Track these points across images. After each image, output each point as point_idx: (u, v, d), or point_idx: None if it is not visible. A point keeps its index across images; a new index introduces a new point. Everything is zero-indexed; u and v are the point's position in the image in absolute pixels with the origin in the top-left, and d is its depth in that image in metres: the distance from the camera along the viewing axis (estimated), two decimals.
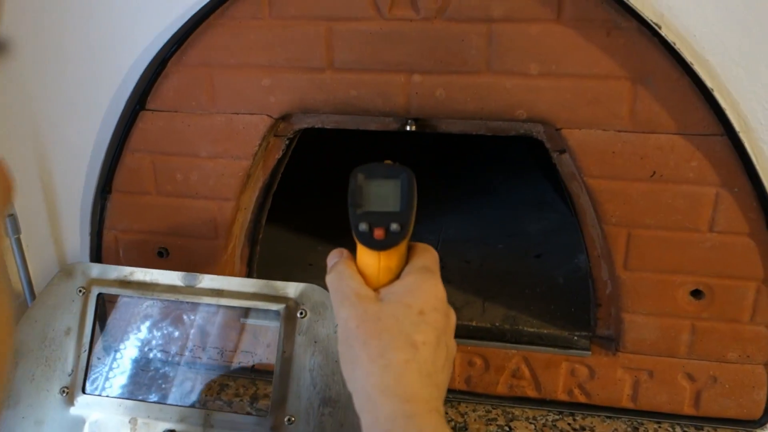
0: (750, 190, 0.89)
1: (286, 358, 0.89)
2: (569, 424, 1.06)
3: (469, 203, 1.69)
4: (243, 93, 0.98)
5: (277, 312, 0.91)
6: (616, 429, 1.04)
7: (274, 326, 1.03)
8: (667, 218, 0.93)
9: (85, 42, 1.01)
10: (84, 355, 0.96)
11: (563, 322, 1.10)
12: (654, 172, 0.91)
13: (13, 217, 1.13)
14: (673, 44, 0.83)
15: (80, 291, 0.96)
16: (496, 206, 1.66)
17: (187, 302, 0.96)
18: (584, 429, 1.05)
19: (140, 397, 0.98)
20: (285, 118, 1.01)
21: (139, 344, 1.06)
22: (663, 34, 0.84)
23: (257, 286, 0.92)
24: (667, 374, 1.02)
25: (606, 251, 0.98)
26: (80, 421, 0.95)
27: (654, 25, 0.83)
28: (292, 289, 0.91)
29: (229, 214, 1.06)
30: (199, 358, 1.08)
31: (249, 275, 1.16)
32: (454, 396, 1.11)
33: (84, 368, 0.96)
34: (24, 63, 1.03)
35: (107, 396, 0.98)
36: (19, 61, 1.03)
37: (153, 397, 0.99)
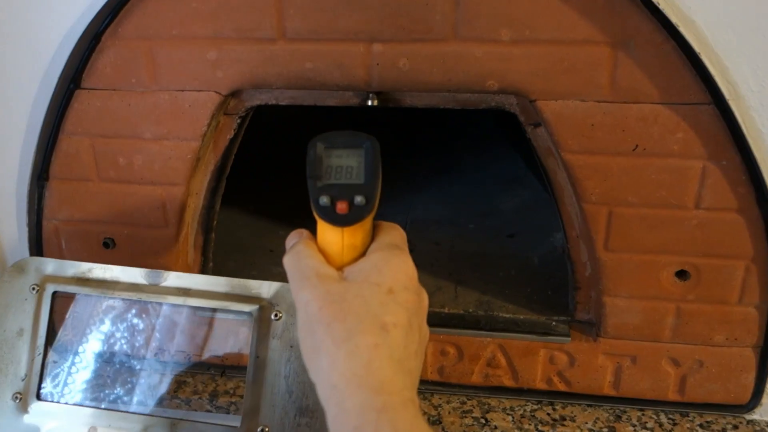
0: (739, 162, 0.83)
1: (260, 363, 0.82)
2: (548, 414, 1.01)
3: (437, 181, 1.62)
4: (187, 68, 0.90)
5: (249, 314, 0.84)
6: (597, 418, 1.00)
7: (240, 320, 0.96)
8: (651, 195, 0.88)
9: (6, 12, 0.91)
10: (38, 359, 0.89)
11: (540, 307, 1.05)
12: (636, 146, 0.85)
13: None
14: (657, 4, 0.77)
15: (33, 289, 0.89)
16: (465, 183, 1.60)
17: (151, 302, 0.88)
18: (564, 418, 1.00)
19: (100, 404, 0.91)
20: (235, 94, 0.93)
21: (98, 346, 0.98)
22: None
23: (227, 285, 0.85)
24: (650, 359, 0.98)
25: (585, 231, 0.92)
26: (34, 430, 0.88)
27: None
28: (265, 288, 0.84)
29: (179, 200, 0.98)
30: (164, 360, 1.00)
31: (204, 264, 1.08)
32: (426, 387, 1.05)
33: (38, 372, 0.89)
34: None
35: (64, 403, 0.91)
36: None
37: (114, 404, 0.92)
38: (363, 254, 0.58)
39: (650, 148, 0.85)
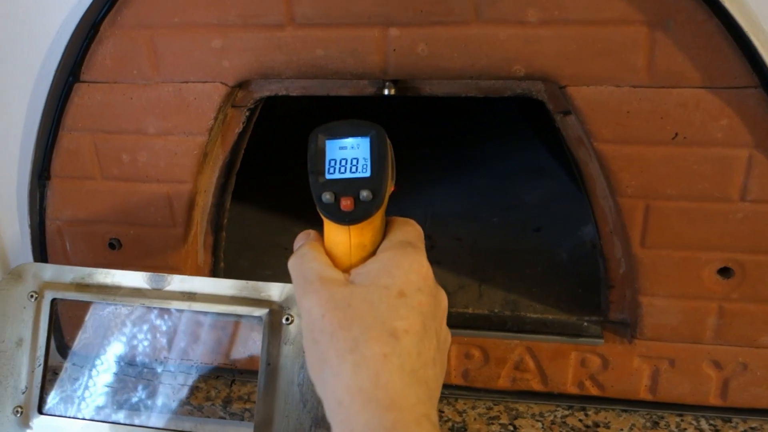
0: None
1: (271, 371, 0.78)
2: (581, 420, 0.95)
3: (456, 173, 1.56)
4: (191, 58, 0.85)
5: (259, 318, 0.78)
6: (633, 424, 0.94)
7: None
8: (692, 187, 0.81)
9: None
10: (39, 370, 0.85)
11: (570, 306, 0.99)
12: (676, 134, 0.79)
13: None
14: None
15: (32, 296, 0.85)
16: (486, 175, 1.54)
17: (155, 307, 0.83)
18: (598, 425, 0.94)
19: (106, 418, 0.86)
20: (243, 85, 0.88)
21: (104, 355, 0.94)
22: None
23: (235, 287, 0.80)
24: (690, 362, 0.92)
25: (620, 226, 0.86)
26: None
27: None
28: (276, 290, 0.79)
29: (187, 198, 0.93)
30: (174, 367, 0.95)
31: (215, 265, 1.03)
32: (450, 392, 1.00)
33: (39, 384, 0.85)
34: None
35: (68, 417, 0.87)
36: None
37: (122, 418, 0.87)
38: (374, 254, 0.53)
39: (691, 137, 0.79)
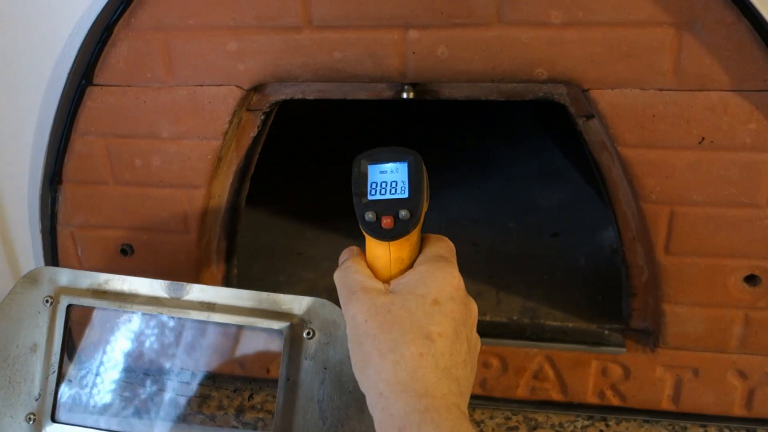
0: None
1: (290, 386, 0.75)
2: (601, 430, 0.94)
3: (471, 176, 1.54)
4: (206, 60, 0.83)
5: (279, 331, 0.77)
6: None
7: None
8: (719, 192, 0.79)
9: (11, 3, 0.85)
10: (53, 377, 0.83)
11: (591, 314, 0.97)
12: (703, 138, 0.77)
13: None
14: None
15: (47, 301, 0.83)
16: (501, 178, 1.52)
17: (172, 317, 0.82)
18: None
19: (120, 428, 0.85)
20: (258, 88, 0.86)
21: (119, 363, 0.92)
22: None
23: (255, 299, 0.79)
24: (714, 372, 0.90)
25: (643, 233, 0.84)
26: None
27: None
28: (297, 304, 0.77)
29: (200, 203, 0.92)
30: (188, 375, 0.94)
31: (228, 271, 1.02)
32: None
33: (53, 392, 0.83)
34: None
35: (82, 426, 0.85)
36: None
37: (135, 427, 0.85)
38: (410, 266, 0.59)
39: (719, 141, 0.77)
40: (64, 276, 0.83)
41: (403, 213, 0.57)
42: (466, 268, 1.10)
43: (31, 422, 0.83)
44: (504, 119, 1.80)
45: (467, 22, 0.76)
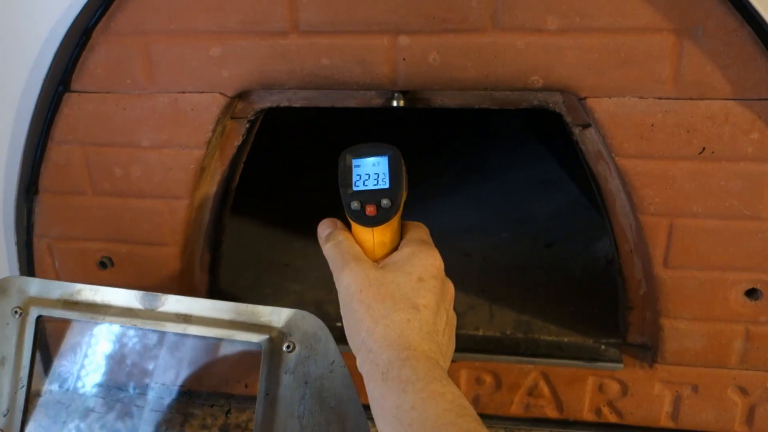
0: None
1: (270, 401, 0.72)
2: None
3: (463, 184, 1.51)
4: (188, 66, 0.80)
5: (258, 344, 0.73)
6: None
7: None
8: (720, 204, 0.77)
9: None
10: (22, 392, 0.80)
11: (587, 328, 0.95)
12: (703, 148, 0.75)
13: None
14: None
15: (16, 312, 0.80)
16: (493, 187, 1.49)
17: (147, 330, 0.79)
18: None
19: None
20: (243, 96, 0.83)
21: (91, 377, 0.89)
22: None
23: (233, 311, 0.76)
24: (714, 388, 0.88)
25: (641, 245, 0.81)
26: None
27: None
28: (276, 315, 0.74)
29: (182, 214, 0.88)
30: (167, 391, 0.90)
31: (212, 284, 0.98)
32: None
33: (22, 407, 0.80)
34: None
35: None
36: None
37: None
38: (392, 250, 0.65)
39: (719, 151, 0.74)
40: (34, 286, 0.80)
41: (385, 202, 0.63)
42: (457, 279, 1.07)
43: None
44: (497, 126, 1.77)
45: (460, 27, 0.73)
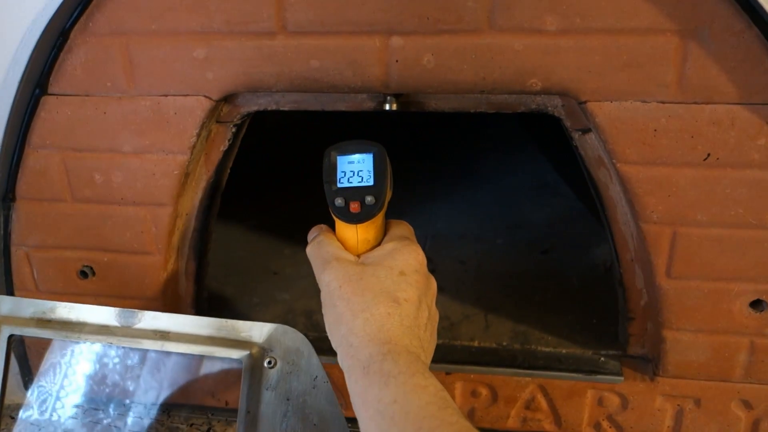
0: None
1: (251, 420, 0.70)
2: None
3: (458, 189, 1.48)
4: (171, 68, 0.77)
5: (238, 361, 0.71)
6: None
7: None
8: (725, 212, 0.74)
9: None
10: None
11: (585, 338, 0.92)
12: (708, 155, 0.72)
13: None
14: None
15: None
16: (488, 192, 1.47)
17: (124, 347, 0.76)
18: None
19: None
20: (228, 99, 0.80)
21: (71, 398, 0.85)
22: None
23: (213, 326, 0.73)
24: (717, 402, 0.85)
25: (643, 254, 0.79)
26: None
27: None
28: (257, 331, 0.72)
29: (166, 222, 0.86)
30: (142, 417, 0.87)
31: (198, 294, 0.95)
32: None
33: None
34: None
35: None
36: None
37: None
38: (376, 247, 0.65)
39: (725, 158, 0.72)
40: (5, 304, 0.77)
41: (369, 199, 0.63)
42: (452, 288, 1.05)
43: None
44: (492, 129, 1.75)
45: (455, 28, 0.70)
